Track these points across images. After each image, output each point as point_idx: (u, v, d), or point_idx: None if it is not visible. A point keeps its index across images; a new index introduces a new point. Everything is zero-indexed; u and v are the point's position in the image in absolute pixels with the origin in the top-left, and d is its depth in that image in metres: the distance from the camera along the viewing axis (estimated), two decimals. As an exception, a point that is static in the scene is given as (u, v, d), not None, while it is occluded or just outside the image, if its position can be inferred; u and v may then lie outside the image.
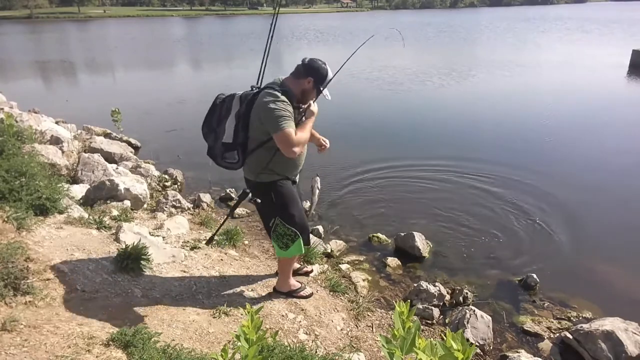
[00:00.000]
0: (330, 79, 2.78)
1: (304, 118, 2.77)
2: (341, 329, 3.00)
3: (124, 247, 3.16)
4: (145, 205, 4.87)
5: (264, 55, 2.83)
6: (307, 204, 3.40)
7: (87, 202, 4.48)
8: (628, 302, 3.58)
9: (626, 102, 10.96)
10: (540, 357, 2.95)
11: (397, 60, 18.79)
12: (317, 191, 3.28)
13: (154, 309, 2.74)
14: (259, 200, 2.83)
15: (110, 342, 2.20)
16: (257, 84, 2.82)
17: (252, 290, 3.24)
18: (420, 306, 3.38)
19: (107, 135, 7.48)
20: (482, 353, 3.00)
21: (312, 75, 2.71)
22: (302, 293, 3.20)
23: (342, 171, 6.25)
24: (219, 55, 22.21)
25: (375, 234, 4.53)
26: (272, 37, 2.85)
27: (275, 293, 3.19)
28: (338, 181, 5.96)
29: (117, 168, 5.62)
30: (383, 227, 4.71)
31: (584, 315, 3.40)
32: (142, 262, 3.10)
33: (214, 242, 3.90)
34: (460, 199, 5.38)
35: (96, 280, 2.86)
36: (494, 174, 6.11)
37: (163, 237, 3.87)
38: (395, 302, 1.60)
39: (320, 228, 4.60)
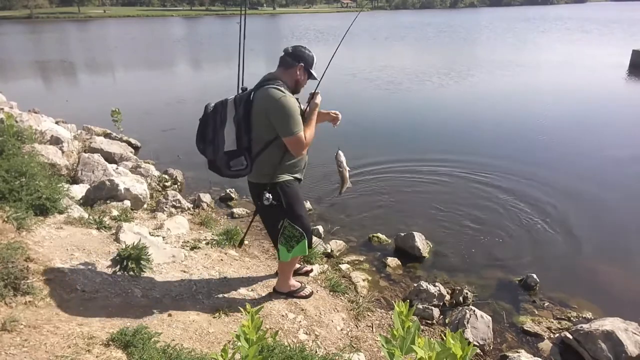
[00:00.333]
0: (326, 69, 2.81)
1: (308, 109, 2.76)
2: (341, 329, 3.00)
3: (124, 247, 3.16)
4: (145, 205, 4.87)
5: (240, 57, 2.78)
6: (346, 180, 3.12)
7: (87, 202, 4.48)
8: (628, 302, 3.58)
9: (626, 101, 10.96)
10: (540, 357, 2.95)
11: (396, 60, 18.81)
12: (345, 165, 3.07)
13: (154, 309, 2.74)
14: (274, 202, 2.73)
15: (110, 342, 2.20)
16: (239, 84, 2.77)
17: (252, 290, 3.24)
18: (420, 306, 3.38)
19: (107, 135, 7.48)
20: (482, 353, 3.00)
21: (301, 61, 2.70)
22: (302, 293, 3.20)
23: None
24: (218, 55, 22.20)
25: (375, 234, 4.53)
26: (244, 38, 2.80)
27: (275, 293, 3.19)
28: (337, 181, 5.94)
29: (117, 168, 5.62)
30: (383, 227, 4.71)
31: (584, 315, 3.40)
32: (142, 262, 3.10)
33: (214, 242, 3.90)
34: (461, 199, 5.38)
35: (96, 280, 2.86)
36: (493, 174, 6.11)
37: (163, 237, 3.87)
38: (395, 302, 1.60)
39: (320, 228, 4.60)
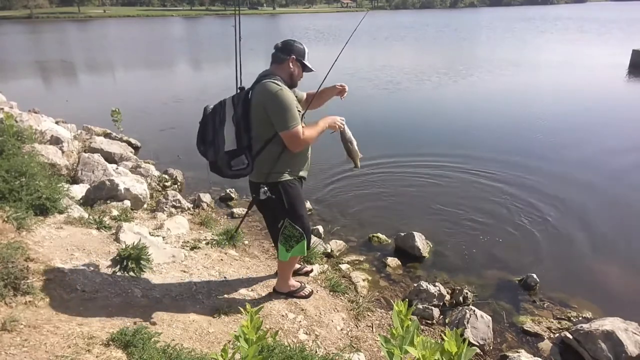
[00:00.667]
0: (329, 70, 2.83)
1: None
2: (341, 329, 3.00)
3: (124, 247, 3.16)
4: (145, 205, 4.87)
5: (237, 57, 2.76)
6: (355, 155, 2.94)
7: (87, 202, 4.48)
8: (628, 302, 3.58)
9: (626, 101, 10.97)
10: (540, 357, 2.95)
11: (396, 60, 18.81)
12: (351, 137, 2.89)
13: (153, 309, 2.74)
14: (273, 197, 2.73)
15: (110, 342, 2.20)
16: (238, 85, 2.77)
17: (252, 290, 3.24)
18: (420, 306, 3.38)
19: (107, 135, 7.48)
20: (482, 353, 3.00)
21: (292, 53, 2.71)
22: (302, 293, 3.20)
23: (342, 171, 6.25)
24: (218, 55, 22.21)
25: (375, 234, 4.53)
26: (239, 39, 2.78)
27: (275, 293, 3.19)
28: (338, 181, 5.95)
29: (117, 168, 5.62)
30: (383, 227, 4.70)
31: (584, 315, 3.40)
32: (142, 262, 3.10)
33: (214, 242, 3.90)
34: (461, 199, 5.38)
35: (96, 280, 2.86)
36: (493, 173, 6.11)
37: (163, 237, 3.87)
38: (395, 302, 1.60)
39: (320, 228, 4.60)
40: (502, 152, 7.01)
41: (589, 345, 2.93)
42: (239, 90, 2.73)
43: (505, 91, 12.20)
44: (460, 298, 3.51)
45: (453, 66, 16.45)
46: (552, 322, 3.33)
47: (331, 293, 3.39)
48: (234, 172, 2.70)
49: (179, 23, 61.29)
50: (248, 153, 2.66)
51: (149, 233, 3.82)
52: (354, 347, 2.81)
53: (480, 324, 3.11)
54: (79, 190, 4.65)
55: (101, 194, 4.56)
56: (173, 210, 4.78)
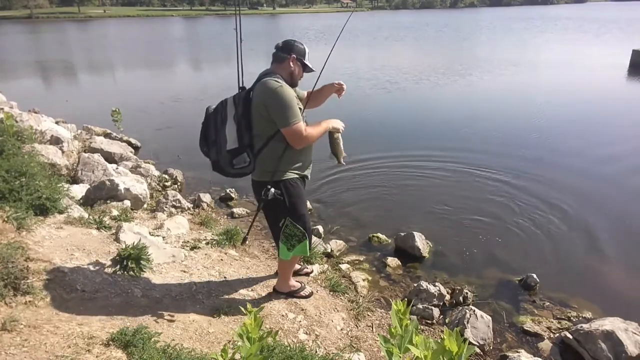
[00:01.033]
0: (329, 58, 2.84)
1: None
2: (341, 329, 3.00)
3: (124, 247, 3.16)
4: (145, 205, 4.87)
5: (238, 57, 2.78)
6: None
7: (87, 202, 4.48)
8: (628, 302, 3.58)
9: (626, 101, 10.96)
10: (540, 357, 2.95)
11: (396, 60, 18.81)
12: (340, 136, 2.94)
13: (154, 309, 2.74)
14: (279, 197, 2.72)
15: (110, 342, 2.20)
16: (240, 84, 2.78)
17: (252, 290, 3.24)
18: (420, 306, 3.38)
19: (107, 135, 7.48)
20: (482, 353, 3.00)
21: (292, 52, 2.72)
22: (302, 293, 3.20)
23: (342, 171, 6.25)
24: (218, 55, 22.21)
25: (375, 234, 4.53)
26: (241, 40, 2.80)
27: (275, 293, 3.19)
28: (338, 181, 5.96)
29: (117, 168, 5.62)
30: (383, 227, 4.70)
31: (584, 315, 3.40)
32: (142, 262, 3.10)
33: (214, 242, 3.91)
34: (461, 198, 5.38)
35: (96, 280, 2.86)
36: (493, 173, 6.11)
37: (163, 237, 3.87)
38: (394, 301, 1.60)
39: (320, 228, 4.60)
40: (501, 152, 7.01)
41: (589, 345, 2.93)
42: (240, 90, 2.74)
43: (504, 91, 12.21)
44: (460, 298, 3.51)
45: (452, 66, 16.47)
46: (552, 322, 3.33)
47: (331, 293, 3.39)
48: (236, 170, 2.71)
49: (179, 23, 61.30)
50: (250, 151, 2.67)
51: (149, 233, 3.82)
52: (354, 347, 2.81)
53: (480, 324, 3.11)
54: (79, 190, 4.65)
55: (101, 194, 4.56)
56: (173, 210, 4.78)
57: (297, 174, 2.80)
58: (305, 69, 2.82)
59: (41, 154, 4.86)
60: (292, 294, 3.18)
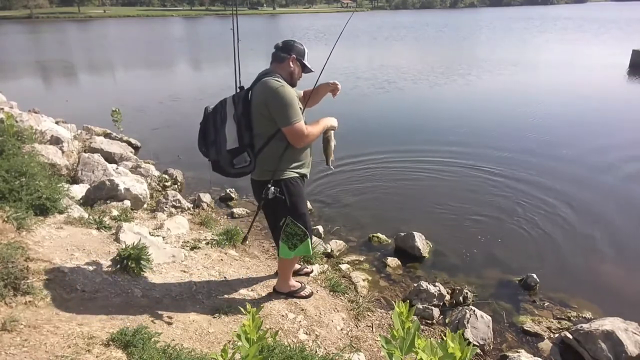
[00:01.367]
0: (325, 64, 2.85)
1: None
2: (341, 329, 3.00)
3: (124, 247, 3.16)
4: (145, 205, 4.87)
5: (235, 57, 2.78)
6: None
7: (87, 202, 4.48)
8: (628, 302, 3.58)
9: (626, 101, 10.96)
10: (540, 357, 2.95)
11: (396, 59, 18.81)
12: (333, 137, 2.94)
13: (154, 309, 2.74)
14: (280, 196, 2.72)
15: (110, 342, 2.20)
16: (237, 84, 2.78)
17: (252, 290, 3.24)
18: (420, 306, 3.38)
19: (107, 135, 7.48)
20: (482, 353, 3.00)
21: (292, 52, 2.73)
22: (302, 293, 3.20)
23: (341, 170, 6.25)
24: (218, 55, 22.20)
25: (375, 234, 4.53)
26: (238, 40, 2.80)
27: (275, 293, 3.19)
28: (337, 181, 5.96)
29: (117, 168, 5.62)
30: (383, 227, 4.70)
31: (584, 315, 3.40)
32: (142, 262, 3.10)
33: (214, 242, 3.90)
34: (461, 198, 5.38)
35: (96, 280, 2.86)
36: (493, 173, 6.11)
37: (163, 237, 3.87)
38: (395, 302, 1.60)
39: (320, 228, 4.60)
40: (501, 152, 7.01)
41: (589, 345, 2.93)
42: (239, 89, 2.74)
43: (504, 91, 12.22)
44: (460, 298, 3.51)
45: (452, 66, 16.47)
46: (552, 322, 3.33)
47: (331, 293, 3.39)
48: (237, 170, 2.70)
49: (179, 23, 61.29)
50: (250, 151, 2.67)
51: (149, 233, 3.81)
52: (354, 347, 2.81)
53: (480, 324, 3.11)
54: (79, 190, 4.64)
55: (101, 194, 4.56)
56: (173, 210, 4.78)
57: (297, 173, 2.80)
58: (305, 69, 2.83)
59: (41, 154, 4.85)
60: (292, 294, 3.18)
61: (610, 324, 3.01)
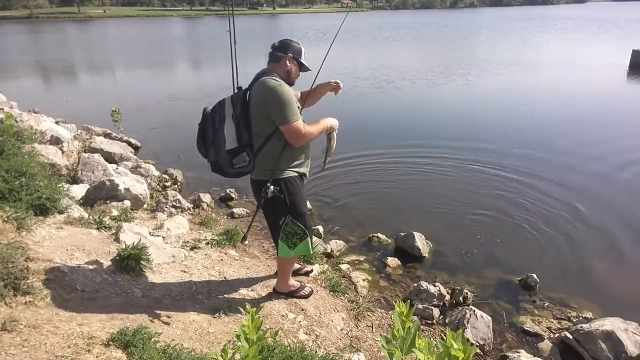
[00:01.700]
0: (326, 57, 2.87)
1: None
2: (341, 329, 3.00)
3: (124, 247, 3.16)
4: (145, 205, 4.87)
5: (232, 57, 2.81)
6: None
7: (87, 202, 4.48)
8: (628, 302, 3.58)
9: (626, 101, 10.96)
10: (540, 357, 2.95)
11: (397, 59, 18.81)
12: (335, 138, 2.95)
13: (154, 309, 2.74)
14: (279, 195, 2.73)
15: (110, 342, 2.20)
16: (235, 84, 2.79)
17: (252, 290, 3.24)
18: (420, 306, 3.38)
19: (107, 135, 7.48)
20: (482, 353, 3.00)
21: (288, 51, 2.75)
22: (302, 293, 3.20)
23: (341, 170, 6.26)
24: (218, 55, 22.18)
25: (375, 234, 4.53)
26: (234, 39, 2.83)
27: (275, 293, 3.19)
28: (337, 180, 5.96)
29: (117, 168, 5.62)
30: (383, 227, 4.70)
31: (584, 315, 3.40)
32: (142, 262, 3.10)
33: (214, 242, 3.90)
34: (461, 198, 5.38)
35: (96, 280, 2.86)
36: (493, 173, 6.12)
37: (163, 237, 3.87)
38: (395, 302, 1.60)
39: (320, 228, 4.60)
40: (501, 151, 7.00)
41: (589, 345, 2.93)
42: (237, 90, 2.75)
43: (504, 90, 12.21)
44: (460, 298, 3.51)
45: (452, 66, 16.46)
46: (552, 322, 3.33)
47: (331, 293, 3.39)
48: (236, 170, 2.71)
49: (179, 23, 61.29)
50: (249, 150, 2.67)
51: (149, 233, 3.81)
52: (354, 347, 2.81)
53: (480, 324, 3.11)
54: (79, 190, 4.64)
55: (101, 194, 4.56)
56: (173, 210, 4.78)
57: (296, 172, 2.81)
58: (302, 68, 2.84)
59: (41, 154, 4.85)
60: (292, 293, 3.18)
61: (610, 324, 3.01)
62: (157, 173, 5.97)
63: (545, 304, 3.54)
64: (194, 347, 2.41)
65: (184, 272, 3.34)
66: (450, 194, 5.51)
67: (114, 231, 3.66)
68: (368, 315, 3.22)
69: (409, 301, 2.81)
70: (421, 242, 4.22)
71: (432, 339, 2.81)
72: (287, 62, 2.74)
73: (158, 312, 2.71)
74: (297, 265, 3.55)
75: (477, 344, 3.01)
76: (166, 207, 4.78)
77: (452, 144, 7.37)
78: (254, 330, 1.59)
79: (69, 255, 3.06)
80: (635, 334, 2.96)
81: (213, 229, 4.32)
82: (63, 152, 5.64)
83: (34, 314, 2.33)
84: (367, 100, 11.04)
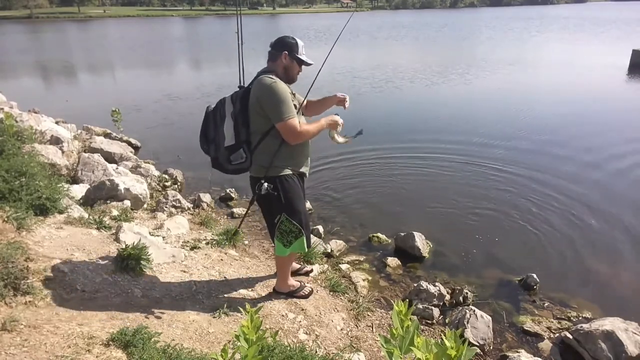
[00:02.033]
0: (328, 57, 2.88)
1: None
2: (341, 329, 3.00)
3: (124, 247, 3.16)
4: (145, 205, 4.87)
5: (239, 57, 2.87)
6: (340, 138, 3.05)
7: (87, 202, 4.48)
8: (628, 302, 3.58)
9: (627, 101, 10.96)
10: (540, 357, 2.95)
11: (395, 59, 18.80)
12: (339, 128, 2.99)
13: (154, 309, 2.74)
14: (272, 192, 2.75)
15: (110, 342, 2.20)
16: (241, 83, 2.83)
17: (252, 290, 3.24)
18: (420, 306, 3.38)
19: (107, 135, 7.48)
20: (482, 353, 2.99)
21: (284, 49, 2.76)
22: (301, 293, 3.20)
23: (341, 170, 6.26)
24: (217, 55, 22.20)
25: (375, 234, 4.53)
26: (241, 38, 2.89)
27: (275, 293, 3.19)
28: (337, 180, 5.96)
29: (117, 168, 5.62)
30: (383, 227, 4.70)
31: (584, 315, 3.40)
32: (142, 262, 3.10)
33: (214, 242, 3.90)
34: (461, 197, 5.38)
35: (96, 280, 2.86)
36: (493, 173, 6.11)
37: (163, 237, 3.87)
38: (395, 302, 1.60)
39: (320, 228, 4.60)
40: (501, 151, 7.01)
41: (589, 345, 2.93)
42: (239, 88, 2.80)
43: (504, 90, 12.21)
44: (460, 298, 3.51)
45: (452, 65, 16.45)
46: (552, 322, 3.33)
47: (331, 293, 3.39)
48: (234, 166, 2.77)
49: (179, 23, 61.28)
50: (246, 147, 2.72)
51: (149, 233, 3.81)
52: (354, 347, 2.81)
53: (480, 324, 3.11)
54: (79, 190, 4.64)
55: (101, 194, 4.56)
56: (173, 210, 4.78)
57: (293, 170, 2.83)
58: (302, 63, 2.84)
59: (41, 154, 4.85)
60: (292, 293, 3.18)
61: (610, 324, 3.01)
62: (157, 173, 5.97)
63: (545, 304, 3.54)
64: (194, 347, 2.41)
65: (184, 272, 3.34)
66: (450, 194, 5.51)
67: (114, 231, 3.66)
68: (368, 315, 3.22)
69: (407, 300, 2.81)
70: (421, 242, 4.22)
71: (431, 338, 2.81)
72: (283, 59, 2.77)
73: (158, 312, 2.71)
74: (297, 266, 3.56)
75: (477, 344, 3.01)
76: (166, 207, 4.78)
77: (452, 144, 7.37)
78: (254, 330, 1.59)
79: (69, 255, 3.06)
80: (635, 334, 2.96)
81: (213, 229, 4.33)
82: (63, 152, 5.64)
83: (34, 314, 2.33)
84: (367, 99, 11.04)
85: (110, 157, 6.17)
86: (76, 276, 2.81)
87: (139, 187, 4.86)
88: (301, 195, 2.91)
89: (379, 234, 4.53)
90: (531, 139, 7.72)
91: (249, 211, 3.26)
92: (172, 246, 3.71)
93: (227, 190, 5.56)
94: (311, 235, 3.22)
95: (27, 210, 3.33)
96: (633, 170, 6.27)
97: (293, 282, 3.23)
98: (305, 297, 3.20)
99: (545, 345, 3.10)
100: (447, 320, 3.30)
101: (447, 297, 3.55)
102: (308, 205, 4.98)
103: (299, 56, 2.79)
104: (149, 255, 3.17)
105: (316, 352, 2.60)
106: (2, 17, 66.24)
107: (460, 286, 3.69)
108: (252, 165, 2.78)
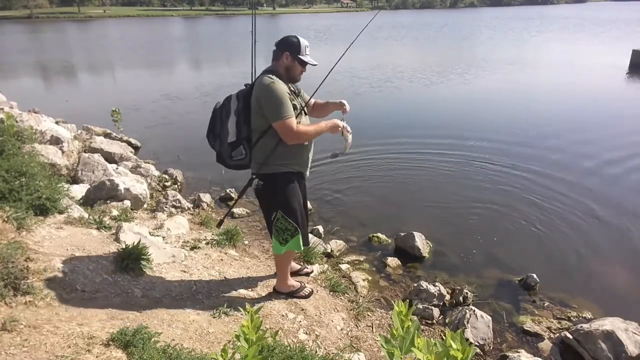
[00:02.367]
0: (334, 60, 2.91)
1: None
2: (341, 329, 3.00)
3: (124, 247, 3.16)
4: (145, 205, 4.87)
5: (252, 55, 2.93)
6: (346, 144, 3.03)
7: (87, 202, 4.48)
8: (628, 302, 3.58)
9: (627, 101, 10.96)
10: (540, 357, 2.95)
11: (395, 59, 18.80)
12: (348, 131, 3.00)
13: (154, 309, 2.74)
14: (262, 190, 2.84)
15: (110, 342, 2.20)
16: (253, 80, 2.87)
17: (252, 290, 3.24)
18: (420, 306, 3.38)
19: (107, 135, 7.48)
20: (482, 353, 3.00)
21: (286, 50, 2.78)
22: (302, 293, 3.20)
23: (341, 170, 6.25)
24: (217, 55, 22.21)
25: (375, 234, 4.53)
26: (255, 36, 2.97)
27: (275, 293, 3.19)
28: (337, 180, 5.96)
29: (117, 168, 5.62)
30: (383, 227, 4.70)
31: (584, 315, 3.40)
32: (142, 262, 3.10)
33: (214, 242, 3.90)
34: (461, 197, 5.38)
35: (96, 280, 2.86)
36: (493, 173, 6.11)
37: (163, 237, 3.87)
38: (395, 302, 1.60)
39: (320, 228, 4.60)
40: (501, 151, 7.01)
41: (589, 345, 2.93)
42: (245, 86, 2.85)
43: (504, 90, 12.21)
44: (460, 298, 3.51)
45: (452, 65, 16.45)
46: (552, 322, 3.33)
47: (331, 293, 3.39)
48: (234, 162, 2.84)
49: (179, 23, 61.26)
50: (246, 144, 2.78)
51: (149, 233, 3.81)
52: (354, 347, 2.81)
53: (480, 324, 3.11)
54: (79, 190, 4.64)
55: (101, 194, 4.56)
56: (173, 210, 4.78)
57: (290, 168, 2.84)
58: (303, 63, 2.83)
59: (41, 154, 4.85)
60: (292, 293, 3.18)
61: (610, 324, 3.01)
62: (157, 173, 5.97)
63: (545, 304, 3.54)
64: (194, 347, 2.41)
65: (184, 272, 3.34)
66: (450, 194, 5.52)
67: (114, 231, 3.66)
68: (368, 315, 3.22)
69: (408, 301, 2.81)
70: (421, 242, 4.22)
71: (432, 338, 2.81)
72: (285, 59, 2.79)
73: (158, 312, 2.71)
74: (297, 266, 3.56)
75: (477, 344, 3.02)
76: (166, 207, 4.78)
77: (451, 144, 7.37)
78: (254, 330, 1.59)
79: (69, 255, 3.06)
80: (635, 334, 2.96)
81: (213, 229, 4.32)
82: (63, 152, 5.64)
83: (34, 314, 2.33)
84: (367, 99, 11.05)
85: (110, 157, 6.16)
86: (76, 276, 2.81)
87: (139, 187, 4.86)
88: (298, 193, 2.91)
89: (379, 234, 4.53)
90: (531, 139, 7.72)
91: (248, 211, 3.26)
92: (172, 246, 3.71)
93: (227, 190, 5.56)
94: (311, 235, 3.22)
95: (27, 210, 3.33)
96: (633, 170, 6.27)
97: (293, 282, 3.23)
98: (306, 297, 3.20)
99: (545, 345, 3.10)
100: (447, 320, 3.30)
101: (447, 297, 3.55)
102: (308, 205, 4.99)
103: (300, 56, 2.79)
104: (149, 255, 3.17)
105: (316, 352, 2.60)
106: (2, 17, 66.20)
107: (460, 286, 3.69)
108: (251, 162, 2.84)
